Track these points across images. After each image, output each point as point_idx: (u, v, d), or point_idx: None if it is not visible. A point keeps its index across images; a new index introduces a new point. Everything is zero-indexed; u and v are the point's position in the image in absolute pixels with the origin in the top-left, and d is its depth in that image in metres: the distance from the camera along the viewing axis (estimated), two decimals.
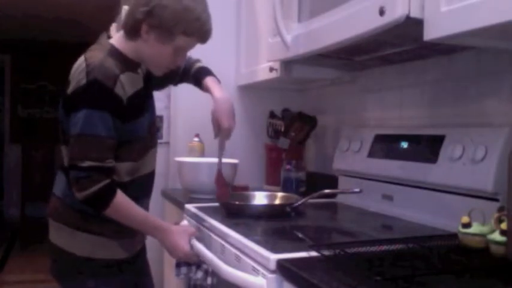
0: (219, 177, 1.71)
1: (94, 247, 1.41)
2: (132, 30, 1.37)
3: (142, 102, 1.46)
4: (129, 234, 1.47)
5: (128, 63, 1.40)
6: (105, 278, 1.43)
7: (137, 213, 1.39)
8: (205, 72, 1.69)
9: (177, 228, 1.45)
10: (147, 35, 1.35)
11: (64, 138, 1.39)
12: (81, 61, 1.35)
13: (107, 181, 1.31)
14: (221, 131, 1.58)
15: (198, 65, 1.72)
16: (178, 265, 1.49)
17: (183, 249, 1.41)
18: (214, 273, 1.32)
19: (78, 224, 1.41)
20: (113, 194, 1.32)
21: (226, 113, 1.56)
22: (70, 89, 1.33)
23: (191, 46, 1.42)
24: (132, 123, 1.40)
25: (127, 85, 1.36)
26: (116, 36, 1.44)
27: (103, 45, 1.41)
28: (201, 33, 1.38)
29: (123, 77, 1.35)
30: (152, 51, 1.37)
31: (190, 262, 1.44)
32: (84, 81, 1.29)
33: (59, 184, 1.46)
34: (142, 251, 1.62)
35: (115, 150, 1.35)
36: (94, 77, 1.29)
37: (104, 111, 1.29)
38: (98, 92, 1.29)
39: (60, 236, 1.44)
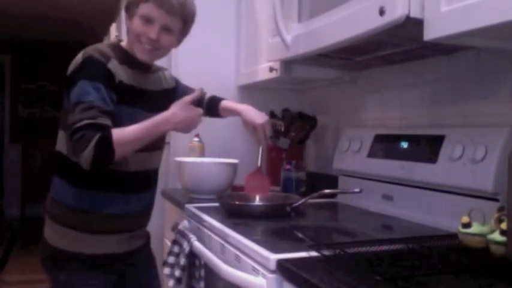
0: (258, 175, 1.74)
1: (83, 242, 1.43)
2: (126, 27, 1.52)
3: (133, 99, 1.47)
4: (126, 230, 1.50)
5: (129, 59, 1.48)
6: (84, 274, 1.44)
7: (136, 131, 1.38)
8: (218, 98, 1.84)
9: (174, 106, 1.46)
10: (129, 21, 1.48)
11: (64, 123, 1.42)
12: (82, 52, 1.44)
13: (99, 134, 1.29)
14: (258, 130, 1.68)
15: (208, 95, 1.85)
16: (163, 264, 1.57)
17: (195, 112, 1.46)
18: (203, 265, 1.32)
19: (70, 221, 1.43)
20: (108, 145, 1.31)
21: (254, 113, 1.70)
22: (68, 71, 1.40)
23: (153, 13, 1.43)
24: (118, 108, 1.41)
25: (119, 72, 1.42)
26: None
27: (109, 41, 1.50)
28: None
29: (117, 64, 1.42)
30: (130, 31, 1.49)
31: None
32: (79, 59, 1.39)
33: (53, 183, 1.49)
34: (138, 251, 1.60)
35: (112, 118, 1.35)
36: (88, 54, 1.39)
37: (98, 82, 1.35)
38: (92, 65, 1.38)
39: (48, 231, 1.47)
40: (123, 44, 1.52)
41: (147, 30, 1.44)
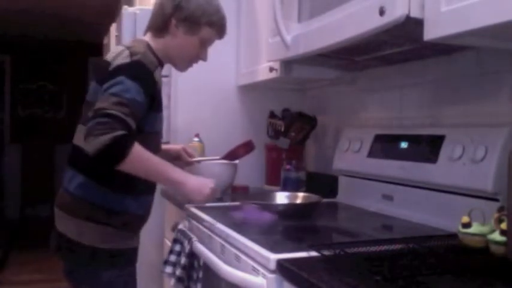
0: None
1: (105, 237, 1.42)
2: (161, 27, 1.49)
3: (160, 103, 1.50)
4: (140, 224, 1.52)
5: (160, 62, 1.50)
6: (118, 269, 1.45)
7: (155, 162, 1.37)
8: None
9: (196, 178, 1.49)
10: (175, 28, 1.48)
11: (86, 117, 1.38)
12: (122, 49, 1.42)
13: (124, 132, 1.26)
14: (181, 154, 1.86)
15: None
16: (165, 263, 1.57)
17: (209, 185, 1.45)
18: (202, 266, 1.32)
19: (89, 215, 1.41)
20: (125, 145, 1.27)
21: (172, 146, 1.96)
22: (111, 67, 1.38)
23: (213, 40, 1.54)
24: (156, 114, 1.46)
25: (159, 78, 1.46)
26: (146, 38, 1.53)
27: (140, 41, 1.51)
28: (221, 25, 1.53)
29: (160, 70, 1.47)
30: (179, 44, 1.49)
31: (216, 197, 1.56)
32: (128, 60, 1.37)
33: (71, 179, 1.45)
34: None
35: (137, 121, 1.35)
36: (138, 59, 1.39)
37: (141, 87, 1.34)
38: (139, 70, 1.38)
39: (83, 231, 1.42)
40: (152, 44, 1.50)
41: (200, 52, 1.53)
